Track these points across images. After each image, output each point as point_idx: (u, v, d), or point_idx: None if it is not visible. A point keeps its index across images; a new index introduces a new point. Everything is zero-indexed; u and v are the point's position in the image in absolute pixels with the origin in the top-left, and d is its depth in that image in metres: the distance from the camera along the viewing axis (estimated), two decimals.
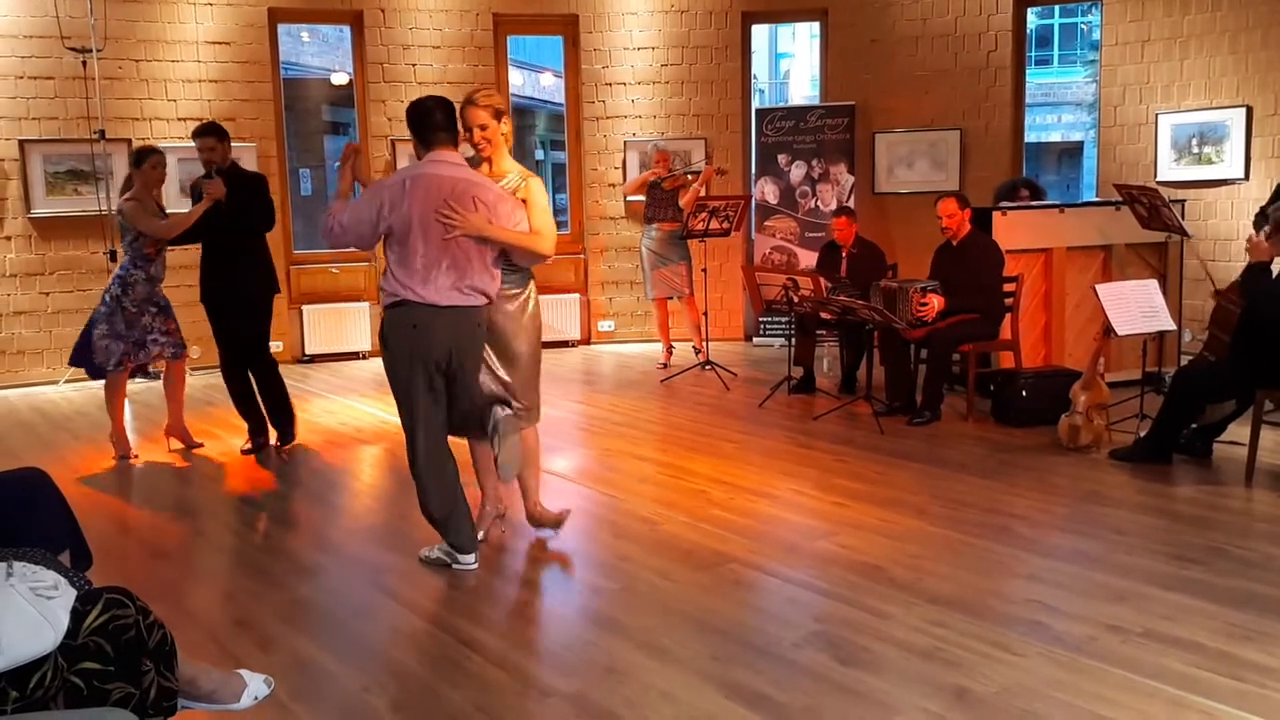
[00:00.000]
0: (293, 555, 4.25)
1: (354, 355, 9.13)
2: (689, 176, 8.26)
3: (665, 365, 8.27)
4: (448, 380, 3.82)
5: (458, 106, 3.92)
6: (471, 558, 3.95)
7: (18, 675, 2.04)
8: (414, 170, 3.76)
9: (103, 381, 5.81)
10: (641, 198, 8.44)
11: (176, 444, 6.02)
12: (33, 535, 2.65)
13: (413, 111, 3.83)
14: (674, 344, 8.53)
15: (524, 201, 3.95)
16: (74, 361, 5.87)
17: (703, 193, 8.03)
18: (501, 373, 4.08)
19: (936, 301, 6.16)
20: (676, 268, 8.11)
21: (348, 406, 7.19)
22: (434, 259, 3.69)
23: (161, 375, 6.37)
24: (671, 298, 8.27)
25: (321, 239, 3.93)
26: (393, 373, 3.83)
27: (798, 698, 2.87)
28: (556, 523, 4.34)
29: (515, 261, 3.95)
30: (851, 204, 9.22)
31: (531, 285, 4.17)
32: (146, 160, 5.67)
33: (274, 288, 5.91)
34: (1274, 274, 5.01)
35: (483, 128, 3.93)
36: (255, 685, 2.75)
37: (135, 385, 7.91)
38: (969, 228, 6.40)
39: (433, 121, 3.78)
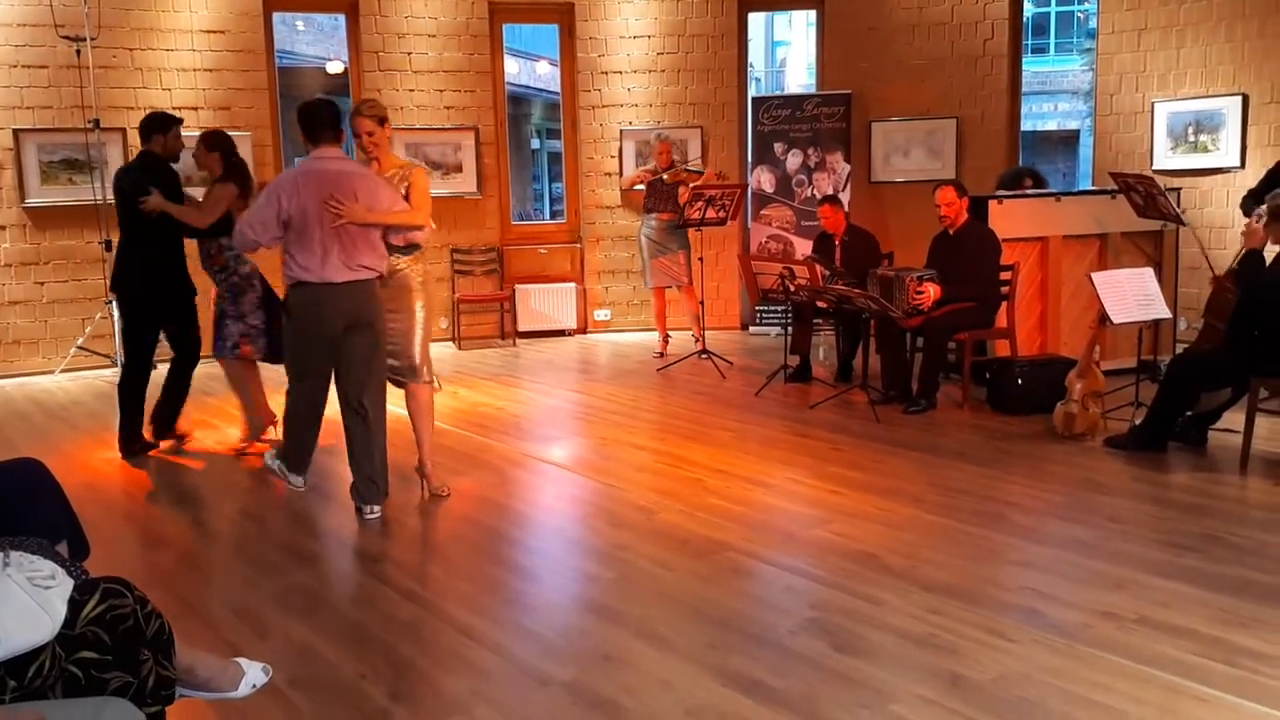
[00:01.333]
0: (289, 543, 4.26)
1: None
2: (690, 174, 8.25)
3: (661, 355, 8.27)
4: (342, 343, 4.39)
5: (349, 114, 4.59)
6: (300, 480, 4.70)
7: (16, 665, 2.04)
8: (303, 167, 4.35)
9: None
10: (641, 187, 8.45)
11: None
12: (30, 526, 2.65)
13: (302, 113, 4.37)
14: (670, 333, 8.54)
15: (410, 186, 4.58)
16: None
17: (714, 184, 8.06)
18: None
19: (933, 290, 6.16)
20: (675, 256, 8.11)
21: None
22: (328, 244, 4.26)
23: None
24: (670, 287, 8.27)
25: (244, 249, 4.60)
26: (292, 340, 4.45)
27: (794, 684, 2.89)
28: (436, 491, 4.81)
29: (392, 242, 4.48)
30: (847, 193, 9.23)
31: (418, 266, 4.75)
32: (199, 147, 5.67)
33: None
34: (1268, 261, 5.02)
35: (370, 134, 4.54)
36: (253, 673, 2.76)
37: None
38: (966, 216, 6.40)
39: (319, 122, 4.33)
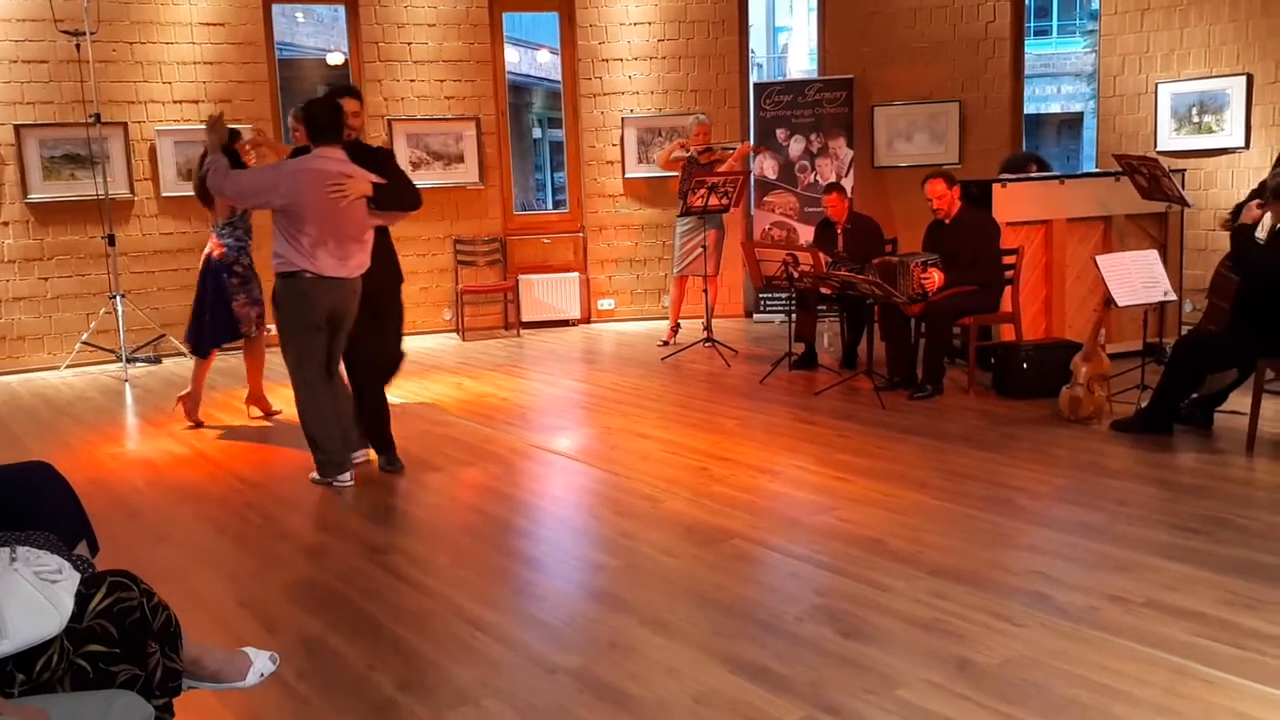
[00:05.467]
0: (296, 535, 4.27)
1: None
2: (725, 152, 8.24)
3: (666, 343, 8.25)
4: (330, 332, 4.68)
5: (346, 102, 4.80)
6: (346, 476, 4.79)
7: (24, 659, 2.05)
8: (303, 164, 4.55)
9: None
10: (676, 173, 8.43)
11: (257, 411, 6.33)
12: (45, 529, 2.65)
13: (308, 112, 4.63)
14: (680, 323, 8.50)
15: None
16: (215, 343, 6.09)
17: (738, 169, 8.06)
18: None
19: (937, 276, 6.14)
20: (709, 234, 8.06)
21: None
22: (319, 239, 4.49)
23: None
24: (699, 275, 8.18)
25: (212, 190, 4.98)
26: (284, 328, 4.66)
27: (800, 671, 2.89)
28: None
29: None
30: (850, 178, 9.20)
31: None
32: (233, 142, 5.84)
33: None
34: (1262, 240, 4.99)
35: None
36: (261, 662, 2.76)
37: (136, 369, 7.93)
38: (959, 204, 6.37)
39: (322, 124, 4.58)
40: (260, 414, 6.31)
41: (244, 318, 6.04)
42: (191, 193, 8.41)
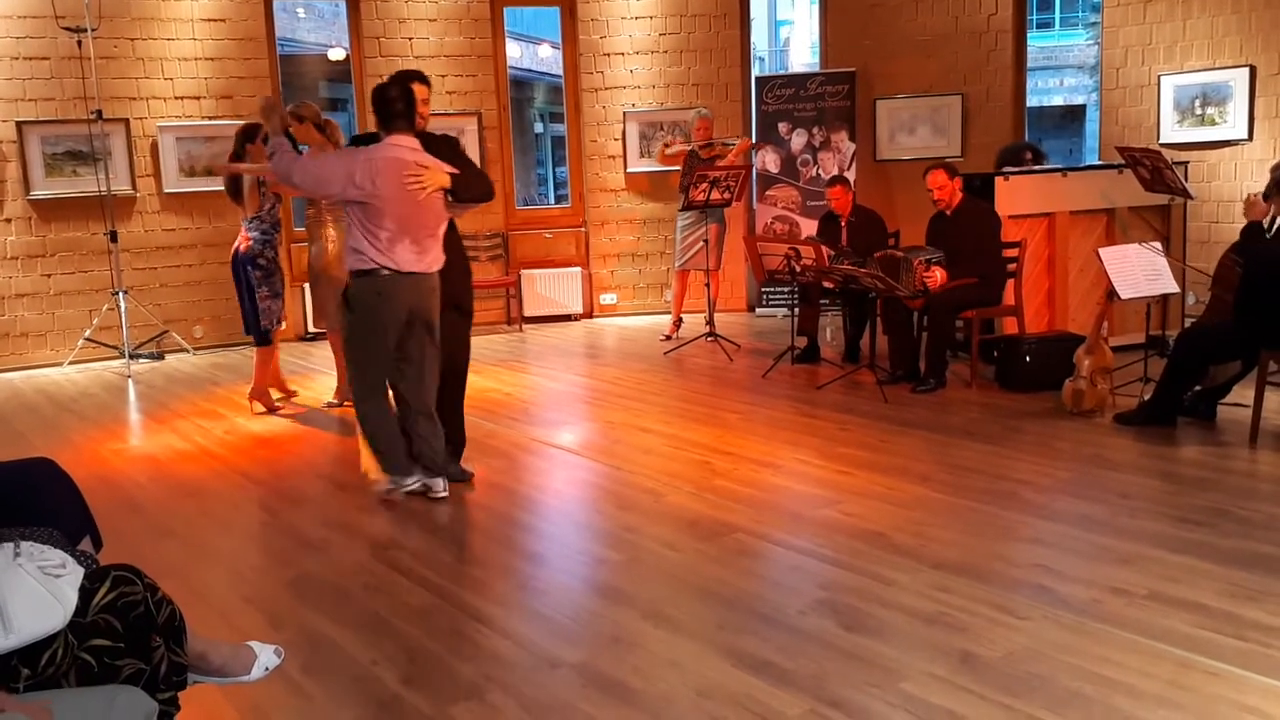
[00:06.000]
0: (300, 531, 4.27)
1: None
2: (725, 147, 8.24)
3: (669, 337, 8.25)
4: (403, 339, 4.33)
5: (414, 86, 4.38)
6: (413, 479, 4.46)
7: (29, 653, 2.05)
8: (378, 152, 4.19)
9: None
10: (677, 167, 8.43)
11: (260, 407, 6.32)
12: (49, 525, 2.65)
13: (376, 96, 4.26)
14: (682, 317, 8.50)
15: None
16: (249, 332, 6.28)
17: (739, 164, 8.06)
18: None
19: (940, 274, 6.13)
20: (710, 228, 8.06)
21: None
22: (398, 233, 4.17)
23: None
24: (701, 269, 8.19)
25: (279, 179, 4.49)
26: (355, 329, 4.34)
27: (804, 664, 2.89)
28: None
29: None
30: (852, 171, 9.18)
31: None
32: (259, 134, 6.02)
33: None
34: (1269, 234, 4.98)
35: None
36: (265, 656, 2.76)
37: (135, 366, 7.94)
38: (961, 196, 6.36)
39: (395, 109, 4.22)
40: (263, 409, 6.32)
41: (266, 310, 6.14)
42: (193, 189, 8.52)
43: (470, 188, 4.38)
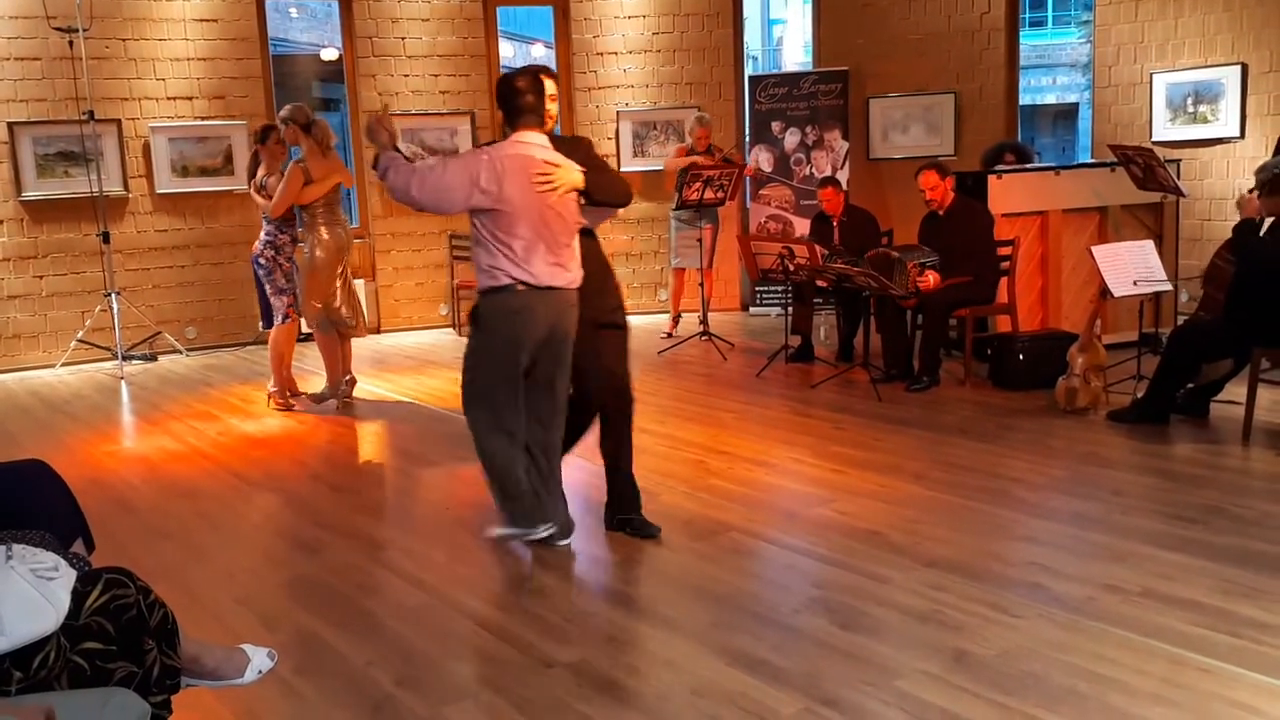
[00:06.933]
0: (293, 533, 4.26)
1: None
2: (726, 163, 8.21)
3: (669, 335, 8.27)
4: (532, 360, 3.75)
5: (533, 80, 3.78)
6: (546, 528, 3.79)
7: (21, 656, 2.04)
8: (502, 151, 3.67)
9: None
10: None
11: (273, 405, 6.38)
12: (42, 528, 2.64)
13: (503, 88, 3.75)
14: (681, 314, 8.50)
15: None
16: (266, 325, 6.44)
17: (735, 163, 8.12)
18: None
19: (933, 278, 6.13)
20: (705, 230, 8.05)
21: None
22: (533, 242, 3.63)
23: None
24: (696, 267, 8.18)
25: (397, 199, 3.75)
26: (480, 353, 3.76)
27: (798, 663, 2.89)
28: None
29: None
30: (846, 171, 9.18)
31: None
32: (270, 136, 6.20)
33: None
34: (1261, 232, 5.00)
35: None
36: (259, 659, 2.75)
37: (132, 368, 7.92)
38: (953, 196, 6.37)
39: (523, 102, 3.69)
40: (278, 406, 6.31)
41: (277, 307, 6.23)
42: (185, 189, 8.49)
43: (607, 189, 3.86)
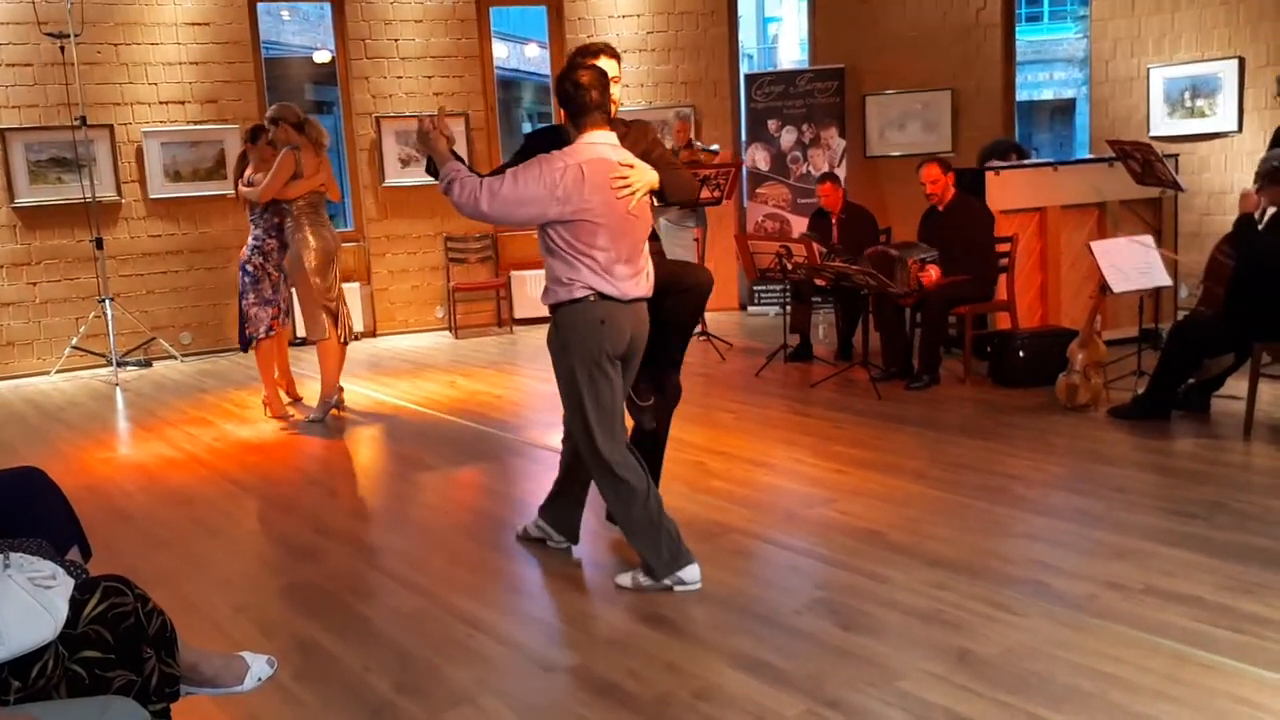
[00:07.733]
0: (290, 539, 4.24)
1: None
2: (706, 154, 8.21)
3: None
4: (624, 369, 3.55)
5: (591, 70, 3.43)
6: (692, 572, 3.44)
7: (19, 665, 2.03)
8: (575, 156, 3.34)
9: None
10: None
11: (269, 413, 6.28)
12: (38, 535, 2.63)
13: (564, 84, 3.38)
14: None
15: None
16: (243, 341, 6.28)
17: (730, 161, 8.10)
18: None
19: (935, 273, 6.12)
20: (693, 231, 8.05)
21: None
22: (616, 251, 3.38)
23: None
24: None
25: (465, 214, 3.43)
26: (572, 377, 3.44)
27: (801, 664, 2.87)
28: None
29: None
30: (843, 168, 9.17)
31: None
32: (260, 136, 6.17)
33: None
34: (1260, 225, 4.99)
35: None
36: (258, 666, 2.73)
37: (137, 371, 7.89)
38: (954, 191, 6.36)
39: (589, 101, 3.35)
40: (275, 416, 6.20)
41: (252, 318, 6.11)
42: (179, 194, 8.47)
43: (680, 187, 3.58)
